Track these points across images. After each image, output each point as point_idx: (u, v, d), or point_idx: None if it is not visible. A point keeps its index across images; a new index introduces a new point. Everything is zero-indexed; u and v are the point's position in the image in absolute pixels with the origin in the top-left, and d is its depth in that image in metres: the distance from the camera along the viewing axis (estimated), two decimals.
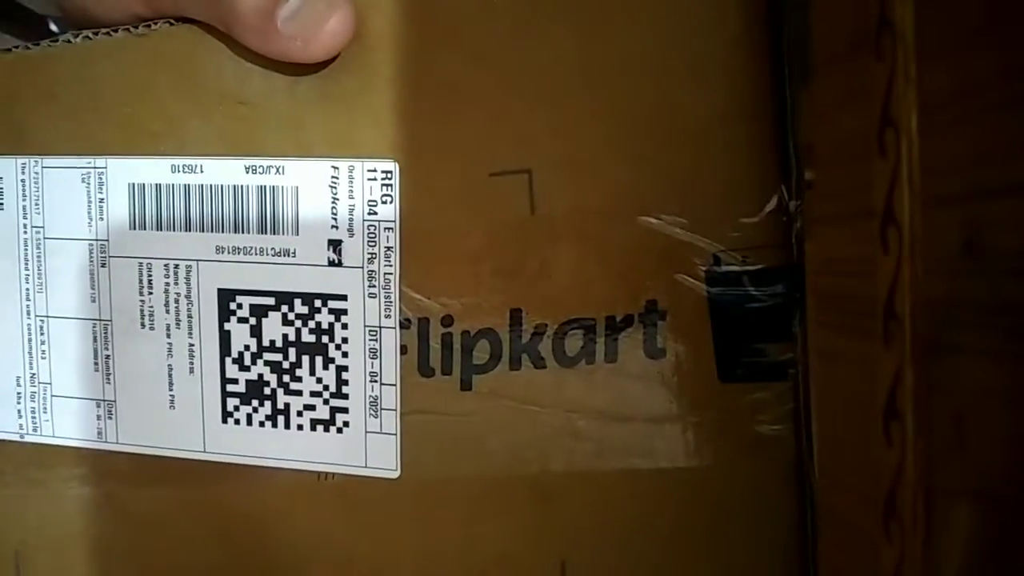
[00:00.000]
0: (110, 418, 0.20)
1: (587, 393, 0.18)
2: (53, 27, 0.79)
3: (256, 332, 0.20)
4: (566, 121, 0.18)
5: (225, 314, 0.20)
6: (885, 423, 0.17)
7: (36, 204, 0.20)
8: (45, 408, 0.21)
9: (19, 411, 0.21)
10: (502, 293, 0.18)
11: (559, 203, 0.18)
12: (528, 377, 0.18)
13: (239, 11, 0.17)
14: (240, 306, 0.20)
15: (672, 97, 0.17)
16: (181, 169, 0.20)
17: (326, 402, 0.20)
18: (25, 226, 0.20)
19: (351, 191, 0.19)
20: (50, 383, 0.21)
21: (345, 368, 0.19)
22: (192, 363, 0.20)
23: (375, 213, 0.19)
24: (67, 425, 0.21)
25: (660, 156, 0.17)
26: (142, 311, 0.20)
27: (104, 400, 0.20)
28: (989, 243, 0.14)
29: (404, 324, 0.19)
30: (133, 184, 0.20)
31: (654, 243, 0.17)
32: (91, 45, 0.20)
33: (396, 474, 0.19)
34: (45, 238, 0.20)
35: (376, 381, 0.19)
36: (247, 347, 0.20)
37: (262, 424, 0.20)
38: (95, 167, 0.20)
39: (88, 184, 0.20)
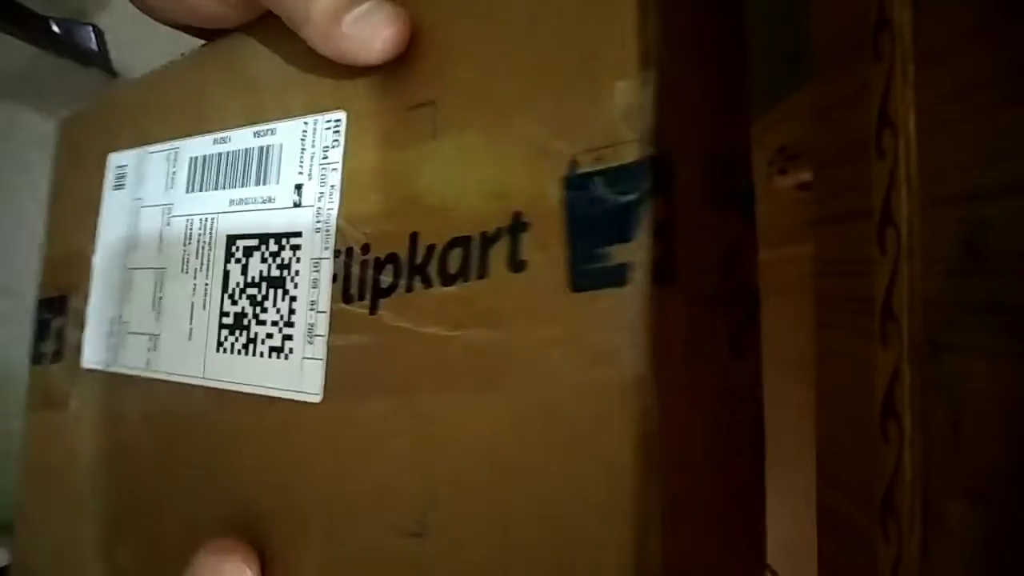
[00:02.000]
0: (154, 350, 0.24)
1: (464, 311, 0.18)
2: (55, 28, 0.79)
3: (244, 270, 0.22)
4: (465, 56, 0.19)
5: (228, 256, 0.23)
6: (883, 422, 0.17)
7: (141, 181, 0.26)
8: (122, 343, 0.26)
9: (108, 346, 0.26)
10: (406, 218, 0.19)
11: (453, 128, 0.18)
12: (420, 298, 0.18)
13: (311, 12, 0.18)
14: (238, 248, 0.23)
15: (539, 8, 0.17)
16: (219, 142, 0.24)
17: (280, 330, 0.21)
18: (133, 199, 0.26)
19: (314, 141, 0.21)
20: (128, 322, 0.26)
21: (295, 299, 0.21)
22: (205, 300, 0.23)
23: (327, 157, 0.21)
24: (131, 357, 0.25)
25: (530, 65, 0.17)
26: (183, 258, 0.24)
27: (153, 335, 0.25)
28: (987, 243, 0.14)
29: (336, 254, 0.20)
30: (191, 158, 0.25)
31: (522, 153, 0.17)
32: (178, 64, 0.26)
33: (318, 399, 0.20)
34: (141, 207, 0.26)
35: (314, 309, 0.20)
36: (238, 284, 0.23)
37: (239, 352, 0.22)
38: (173, 148, 0.25)
39: (168, 162, 0.25)
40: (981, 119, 0.14)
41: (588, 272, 0.16)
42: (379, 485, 0.19)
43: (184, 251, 0.24)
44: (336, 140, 0.21)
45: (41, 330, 0.31)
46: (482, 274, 0.17)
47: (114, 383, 0.26)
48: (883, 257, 0.17)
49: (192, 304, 0.24)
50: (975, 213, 0.14)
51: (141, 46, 0.83)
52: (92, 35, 0.80)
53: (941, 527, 0.15)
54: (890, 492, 0.16)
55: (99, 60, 0.81)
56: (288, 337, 0.21)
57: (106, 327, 0.27)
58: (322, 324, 0.20)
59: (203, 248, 0.24)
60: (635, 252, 0.15)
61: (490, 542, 0.16)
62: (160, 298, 0.25)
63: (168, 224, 0.25)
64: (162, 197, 0.25)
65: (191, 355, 0.23)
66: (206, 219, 0.24)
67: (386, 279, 0.19)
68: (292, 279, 0.21)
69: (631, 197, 0.15)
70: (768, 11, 0.70)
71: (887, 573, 0.16)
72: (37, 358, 0.31)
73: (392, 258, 0.19)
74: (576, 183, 0.16)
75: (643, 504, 0.14)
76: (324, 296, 0.20)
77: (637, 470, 0.15)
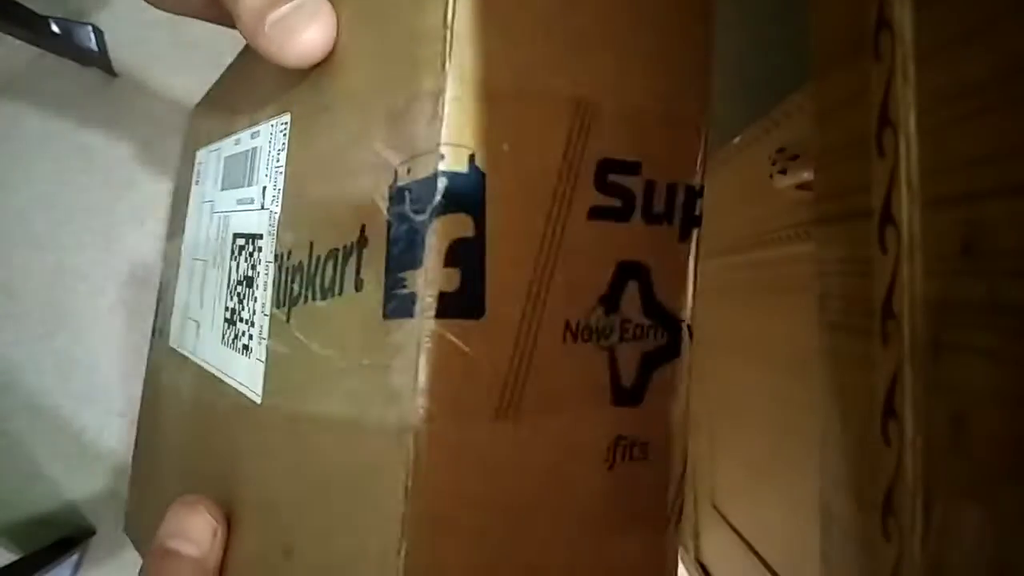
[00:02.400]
0: (197, 337, 0.26)
1: (326, 328, 0.17)
2: (55, 28, 0.79)
3: (237, 268, 0.23)
4: (349, 58, 0.18)
5: (231, 253, 0.24)
6: (883, 423, 0.17)
7: (205, 178, 0.28)
8: (186, 327, 0.27)
9: (180, 328, 0.28)
10: (309, 226, 0.18)
11: (336, 134, 0.18)
12: (311, 310, 0.17)
13: (240, 9, 0.18)
14: (236, 246, 0.23)
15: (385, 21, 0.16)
16: (236, 143, 0.25)
17: (248, 329, 0.21)
18: (201, 194, 0.28)
19: (274, 143, 0.21)
20: (189, 308, 0.27)
21: (256, 299, 0.21)
22: (220, 294, 0.24)
23: (279, 161, 0.21)
24: (188, 340, 0.27)
25: (377, 67, 0.16)
26: (215, 252, 0.25)
27: (198, 322, 0.26)
28: (988, 243, 0.14)
29: (275, 258, 0.20)
30: (223, 157, 0.26)
31: (371, 163, 0.15)
32: (234, 62, 0.27)
33: (260, 399, 0.20)
34: (203, 201, 0.27)
35: (263, 312, 0.20)
36: (234, 280, 0.23)
37: (230, 346, 0.23)
38: (218, 148, 0.27)
39: (217, 161, 0.27)
40: (981, 119, 0.14)
41: (394, 299, 0.14)
42: (272, 497, 0.18)
43: (215, 245, 0.25)
44: (283, 143, 0.20)
45: (156, 309, 0.33)
46: (340, 290, 0.16)
47: (182, 362, 0.27)
48: (884, 257, 0.17)
49: (215, 297, 0.24)
50: (975, 213, 0.14)
51: (141, 46, 0.82)
52: (92, 35, 0.80)
53: (941, 527, 0.15)
54: (891, 492, 0.16)
55: (99, 60, 0.81)
56: (251, 336, 0.21)
57: (181, 311, 0.28)
58: (266, 327, 0.20)
59: (222, 244, 0.24)
60: (420, 281, 0.13)
61: (319, 568, 0.16)
62: (203, 289, 0.26)
63: (211, 219, 0.26)
64: (211, 193, 0.26)
65: (211, 344, 0.24)
66: (225, 216, 0.24)
67: (295, 288, 0.18)
68: (256, 280, 0.21)
69: (422, 217, 0.13)
70: (770, 9, 0.70)
71: (887, 573, 0.16)
72: (153, 332, 0.33)
73: (299, 267, 0.18)
74: (394, 198, 0.14)
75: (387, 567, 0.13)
76: (269, 299, 0.20)
77: (390, 529, 0.13)
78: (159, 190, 0.80)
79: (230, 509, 0.20)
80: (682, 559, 0.69)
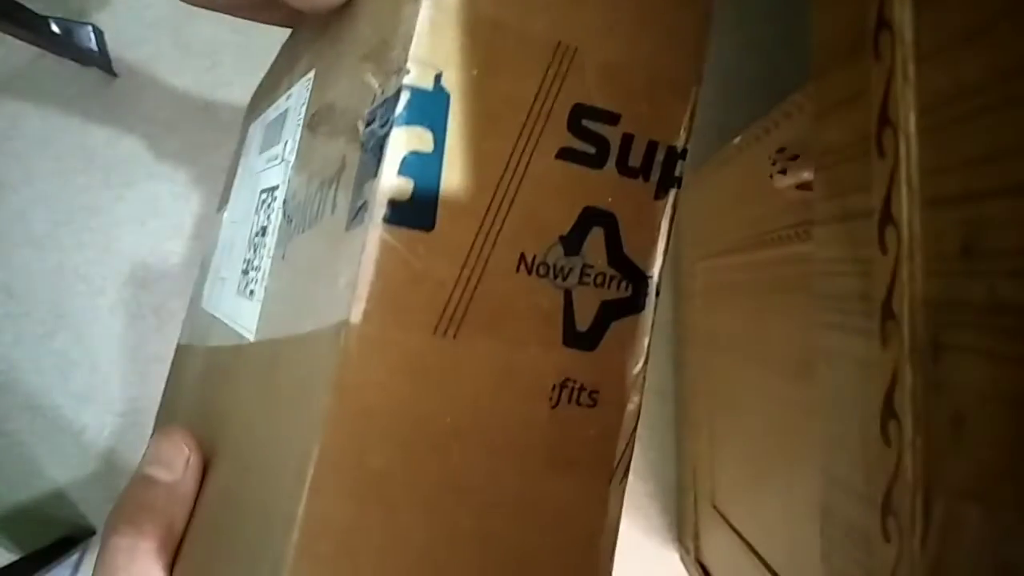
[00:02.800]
0: (222, 293, 0.26)
1: (304, 255, 0.17)
2: (55, 28, 0.79)
3: (258, 221, 0.24)
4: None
5: (255, 208, 0.25)
6: (883, 423, 0.17)
7: (251, 147, 0.29)
8: (215, 288, 0.28)
9: (211, 290, 0.29)
10: (311, 166, 0.19)
11: (342, 75, 0.19)
12: (296, 243, 0.18)
13: None
14: (260, 200, 0.24)
15: None
16: (275, 109, 0.26)
17: (256, 274, 0.22)
18: (246, 163, 0.29)
19: (299, 99, 0.22)
20: (220, 269, 0.28)
21: (265, 246, 0.22)
22: (244, 246, 0.25)
23: (300, 113, 0.22)
24: (215, 300, 0.27)
25: (377, 12, 0.17)
26: (245, 212, 0.26)
27: (223, 278, 0.26)
28: (987, 244, 0.14)
29: (284, 203, 0.21)
30: (265, 124, 0.27)
31: (357, 91, 0.16)
32: (271, 65, 0.29)
33: (252, 337, 0.20)
34: (244, 170, 0.29)
35: (268, 256, 0.21)
36: (254, 233, 0.24)
37: (242, 294, 0.23)
38: (262, 118, 0.28)
39: (262, 128, 0.27)
40: (981, 119, 0.14)
41: (354, 210, 0.14)
42: (244, 429, 0.18)
43: (246, 206, 0.26)
44: (305, 96, 0.22)
45: (195, 281, 0.35)
46: (319, 217, 0.17)
47: (210, 322, 0.28)
48: (883, 257, 0.17)
49: (240, 252, 0.25)
50: (975, 213, 0.14)
51: (141, 46, 0.82)
52: (92, 35, 0.80)
53: (941, 527, 0.15)
54: (891, 492, 0.16)
55: (99, 60, 0.81)
56: (257, 281, 0.22)
57: (213, 273, 0.29)
58: (268, 270, 0.20)
59: (251, 202, 0.26)
60: (374, 188, 0.14)
61: (261, 477, 0.16)
62: (232, 248, 0.27)
63: (247, 182, 0.28)
64: (252, 161, 0.28)
65: (229, 296, 0.25)
66: (256, 176, 0.26)
67: (292, 225, 0.19)
68: (268, 228, 0.22)
69: (384, 130, 0.14)
70: (769, 9, 0.70)
71: (887, 573, 0.16)
72: (190, 303, 0.34)
73: (299, 205, 0.19)
74: (368, 118, 0.15)
75: (305, 464, 0.13)
76: (274, 243, 0.21)
77: (315, 422, 0.13)
78: (159, 190, 0.80)
79: (213, 447, 0.20)
80: (682, 559, 0.69)
